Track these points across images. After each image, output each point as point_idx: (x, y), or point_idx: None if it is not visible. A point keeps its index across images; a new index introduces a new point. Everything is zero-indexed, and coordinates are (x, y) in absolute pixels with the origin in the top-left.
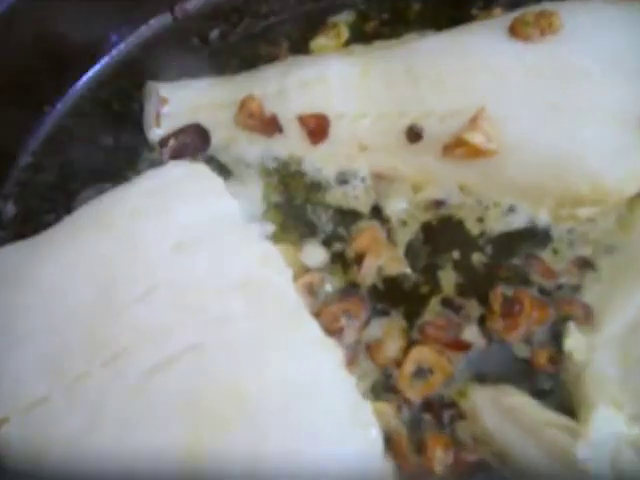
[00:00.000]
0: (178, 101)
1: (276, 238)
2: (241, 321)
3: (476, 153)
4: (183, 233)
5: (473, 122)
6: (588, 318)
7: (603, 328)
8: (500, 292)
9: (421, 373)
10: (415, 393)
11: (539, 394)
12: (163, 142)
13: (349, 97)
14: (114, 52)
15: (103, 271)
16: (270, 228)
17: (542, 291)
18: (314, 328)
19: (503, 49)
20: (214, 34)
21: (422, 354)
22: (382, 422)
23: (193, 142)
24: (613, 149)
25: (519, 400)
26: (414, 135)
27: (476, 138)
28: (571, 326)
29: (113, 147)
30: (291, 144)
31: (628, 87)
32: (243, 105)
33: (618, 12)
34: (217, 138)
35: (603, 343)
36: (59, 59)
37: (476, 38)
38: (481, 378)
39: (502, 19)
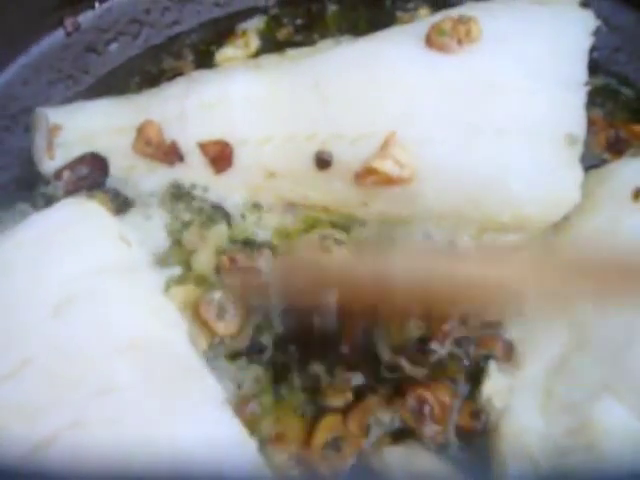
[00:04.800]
0: (72, 128)
1: (181, 279)
2: (127, 389)
3: (389, 181)
4: (66, 290)
5: (383, 149)
6: (509, 356)
7: (525, 368)
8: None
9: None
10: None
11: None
12: (57, 175)
13: (253, 119)
14: (1, 76)
15: None
16: (172, 271)
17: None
18: (211, 387)
19: (417, 62)
20: (112, 48)
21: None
22: None
23: (90, 174)
24: (536, 171)
25: (428, 462)
26: (323, 162)
27: (386, 166)
28: (491, 366)
29: (5, 182)
30: (194, 173)
31: (553, 99)
32: (140, 132)
33: (543, 13)
34: (116, 167)
35: (524, 385)
36: None
37: (389, 48)
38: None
39: (421, 25)
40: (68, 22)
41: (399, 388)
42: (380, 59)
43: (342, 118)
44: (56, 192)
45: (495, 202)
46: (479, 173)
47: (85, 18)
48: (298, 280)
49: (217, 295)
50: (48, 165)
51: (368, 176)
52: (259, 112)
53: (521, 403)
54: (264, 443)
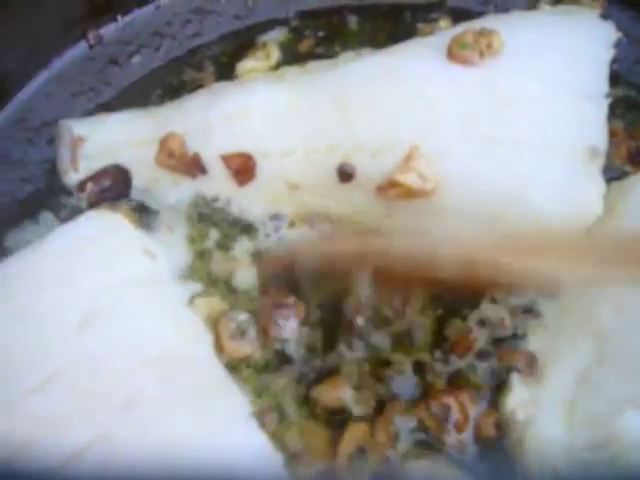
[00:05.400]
0: (95, 139)
1: (204, 291)
2: (153, 404)
3: (411, 194)
4: (92, 303)
5: (406, 162)
6: (532, 368)
7: (548, 380)
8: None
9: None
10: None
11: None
12: (81, 187)
13: (276, 131)
14: (25, 89)
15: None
16: (194, 286)
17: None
18: (238, 401)
19: (438, 74)
20: (134, 60)
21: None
22: None
23: (113, 186)
24: (557, 184)
25: (453, 477)
26: (345, 175)
27: (410, 179)
28: (514, 379)
29: (29, 194)
30: (217, 185)
31: (573, 112)
32: (163, 144)
33: (563, 25)
34: (139, 179)
35: (547, 398)
36: None
37: (411, 60)
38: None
39: (442, 38)
40: (91, 35)
41: (423, 395)
42: (402, 72)
43: (364, 130)
44: (79, 204)
45: (515, 215)
46: (500, 186)
47: (107, 31)
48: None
49: (242, 317)
50: (71, 177)
51: (391, 189)
52: (281, 124)
53: (544, 416)
54: (289, 456)
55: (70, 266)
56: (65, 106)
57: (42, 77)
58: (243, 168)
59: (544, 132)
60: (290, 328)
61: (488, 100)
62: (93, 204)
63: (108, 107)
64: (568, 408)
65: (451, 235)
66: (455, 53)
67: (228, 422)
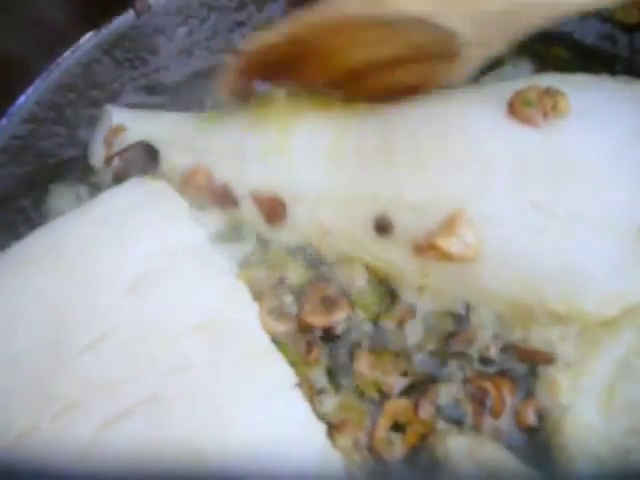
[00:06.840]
0: (136, 133)
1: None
2: (201, 369)
3: (449, 258)
4: (141, 268)
5: (449, 225)
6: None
7: (587, 367)
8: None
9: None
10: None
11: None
12: (107, 161)
13: (314, 172)
14: (72, 53)
15: (51, 314)
16: (240, 251)
17: None
18: (283, 370)
19: (496, 132)
20: (181, 31)
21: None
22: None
23: (140, 161)
24: (602, 265)
25: (495, 453)
26: (383, 229)
27: (450, 245)
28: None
29: (65, 159)
30: (249, 214)
31: (632, 186)
32: (189, 179)
33: (631, 91)
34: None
35: (586, 384)
36: (10, 62)
37: (467, 113)
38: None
39: (504, 89)
40: (139, 3)
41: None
42: (457, 123)
43: (408, 184)
44: (104, 179)
45: (555, 293)
46: (545, 261)
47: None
48: None
49: (287, 297)
50: (99, 158)
51: (429, 250)
52: (321, 167)
53: (583, 401)
54: (328, 427)
55: (119, 230)
56: (110, 73)
57: (89, 44)
58: (273, 211)
59: (599, 205)
60: (332, 320)
61: (545, 165)
62: (119, 178)
63: (153, 77)
64: (607, 394)
65: None
66: (517, 110)
67: (273, 390)
